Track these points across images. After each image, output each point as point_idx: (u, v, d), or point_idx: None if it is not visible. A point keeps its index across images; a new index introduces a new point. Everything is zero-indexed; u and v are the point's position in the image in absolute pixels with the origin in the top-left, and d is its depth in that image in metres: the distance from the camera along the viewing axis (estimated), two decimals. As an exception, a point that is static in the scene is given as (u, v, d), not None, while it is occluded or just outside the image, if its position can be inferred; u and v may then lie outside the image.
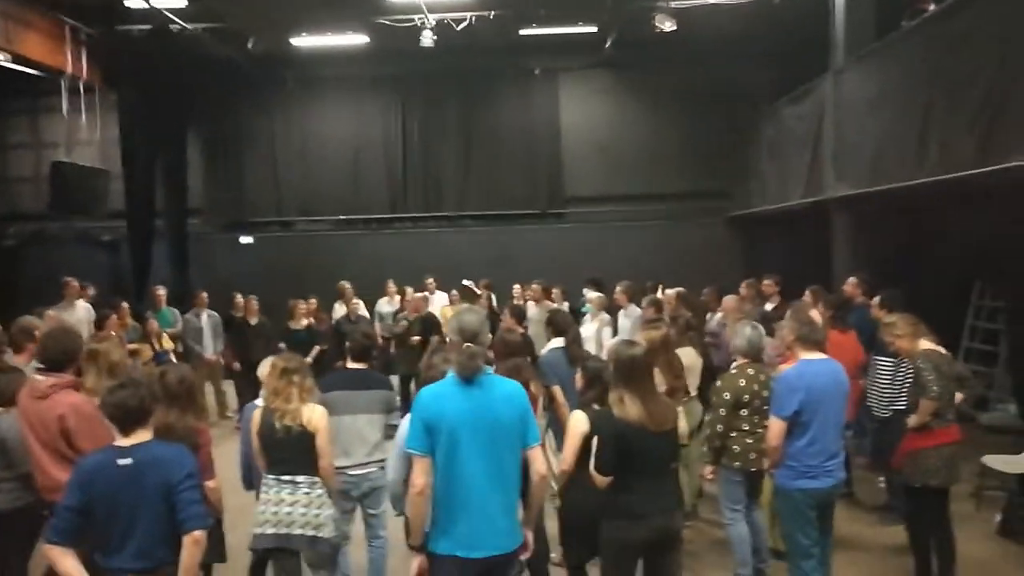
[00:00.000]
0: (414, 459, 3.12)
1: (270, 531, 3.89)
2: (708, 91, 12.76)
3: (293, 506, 3.89)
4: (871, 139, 7.80)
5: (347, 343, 4.78)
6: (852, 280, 7.39)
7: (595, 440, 3.68)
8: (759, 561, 4.86)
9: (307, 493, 3.92)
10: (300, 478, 3.93)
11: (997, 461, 6.03)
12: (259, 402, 4.56)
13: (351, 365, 4.60)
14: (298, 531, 3.87)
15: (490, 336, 3.47)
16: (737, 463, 4.64)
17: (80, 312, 8.98)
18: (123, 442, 2.98)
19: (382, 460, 4.52)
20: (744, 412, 4.60)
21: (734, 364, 4.74)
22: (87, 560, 2.95)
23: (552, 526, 5.09)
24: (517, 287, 10.74)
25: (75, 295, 9.11)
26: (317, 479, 3.97)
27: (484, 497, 3.07)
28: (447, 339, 3.34)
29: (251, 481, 4.53)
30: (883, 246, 8.87)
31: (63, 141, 11.64)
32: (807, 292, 7.38)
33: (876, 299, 6.18)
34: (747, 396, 4.59)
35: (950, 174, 6.31)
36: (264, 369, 4.70)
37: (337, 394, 4.36)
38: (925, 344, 4.53)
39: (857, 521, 5.96)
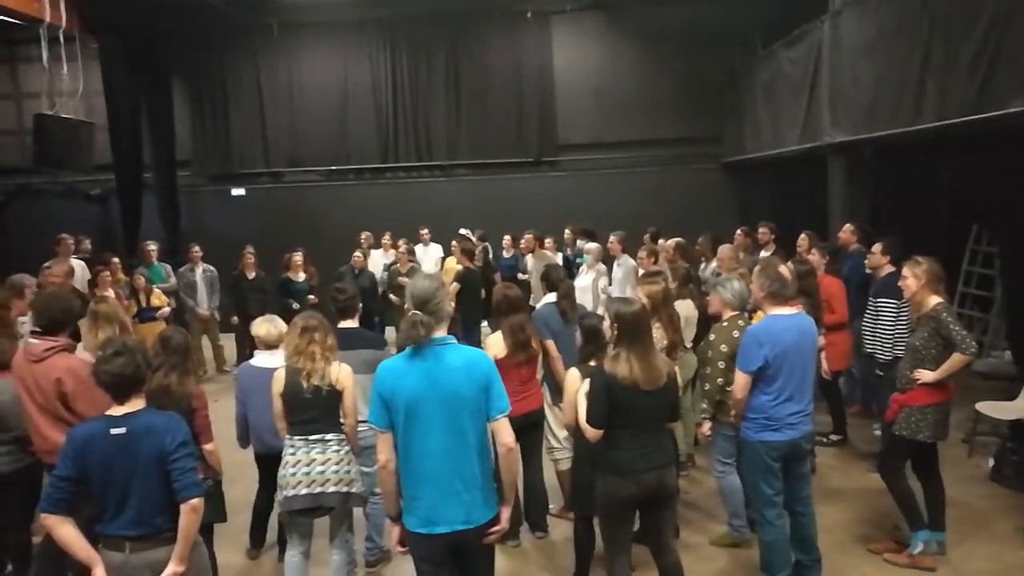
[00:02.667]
0: (376, 435, 3.08)
1: (303, 492, 3.88)
2: (703, 34, 12.49)
3: (325, 464, 3.89)
4: (868, 84, 7.66)
5: (330, 303, 4.70)
6: (848, 227, 7.37)
7: (583, 394, 3.68)
8: (753, 511, 4.93)
9: (337, 451, 3.93)
10: (330, 436, 3.93)
11: (990, 407, 6.09)
12: (255, 362, 4.55)
13: (341, 324, 4.55)
14: (332, 489, 3.88)
15: (446, 298, 3.26)
16: (732, 417, 4.65)
17: (75, 268, 8.88)
18: (116, 411, 2.95)
19: None
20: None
21: (727, 316, 4.71)
22: (87, 527, 2.96)
23: (551, 478, 5.19)
24: (507, 238, 10.69)
25: (68, 252, 9.01)
26: (344, 436, 3.99)
27: (443, 471, 2.98)
28: (405, 305, 3.16)
29: (247, 439, 4.55)
30: (879, 192, 8.80)
31: (45, 92, 11.34)
32: (802, 237, 7.37)
33: (876, 246, 6.15)
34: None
35: (948, 120, 6.21)
36: (259, 327, 4.67)
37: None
38: (937, 299, 4.47)
39: (850, 468, 6.05)
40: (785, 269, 4.62)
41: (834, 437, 6.47)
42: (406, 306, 3.11)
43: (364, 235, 10.58)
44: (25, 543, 4.51)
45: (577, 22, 13.32)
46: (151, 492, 2.89)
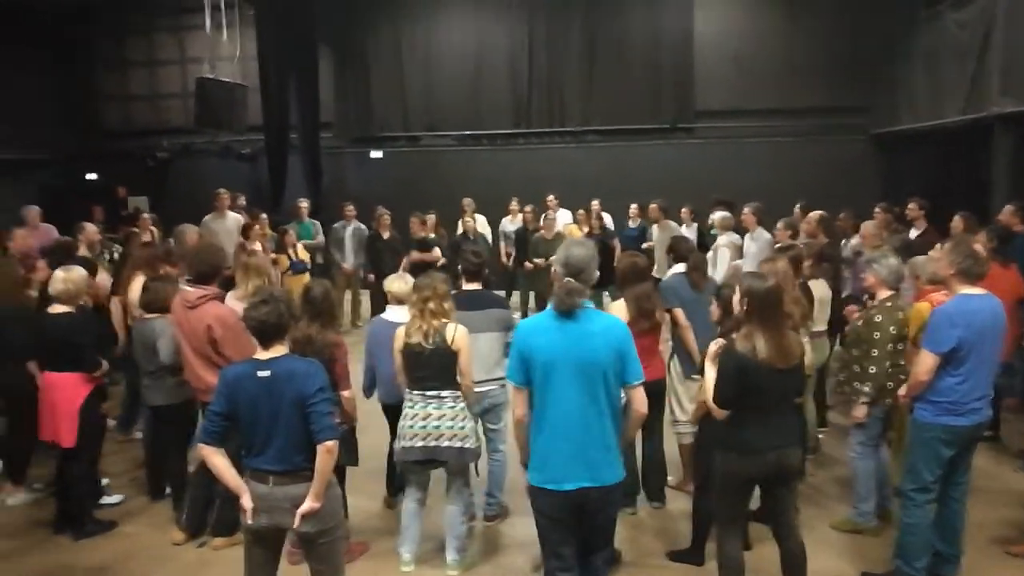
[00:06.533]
0: (512, 389, 3.19)
1: (419, 444, 4.09)
2: (857, -5, 11.71)
3: (440, 420, 4.07)
4: (1049, 48, 6.96)
5: (459, 264, 4.82)
6: (1010, 208, 6.77)
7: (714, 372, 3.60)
8: (882, 498, 4.73)
9: (452, 407, 4.09)
10: (445, 393, 4.09)
11: None
12: (386, 316, 4.75)
13: (466, 286, 4.69)
14: (446, 443, 4.07)
15: (595, 266, 3.26)
16: (888, 399, 4.44)
17: (230, 223, 9.55)
18: (263, 355, 3.17)
19: (501, 378, 4.59)
20: (900, 347, 4.38)
21: (883, 296, 4.46)
22: (236, 459, 3.23)
23: (671, 451, 5.15)
24: (634, 207, 10.49)
25: (226, 206, 9.67)
26: (459, 393, 4.13)
27: (576, 431, 3.05)
28: (553, 268, 3.26)
29: (371, 389, 4.75)
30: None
31: (207, 57, 12.15)
32: (956, 218, 6.83)
33: None
34: (906, 330, 4.38)
35: None
36: (391, 283, 4.87)
37: (455, 314, 4.41)
38: None
39: (1000, 465, 5.65)
40: (979, 246, 4.34)
41: (986, 432, 6.02)
42: (555, 270, 3.18)
43: (466, 200, 10.66)
44: (182, 470, 4.98)
45: (720, -17, 12.80)
46: (292, 432, 3.09)
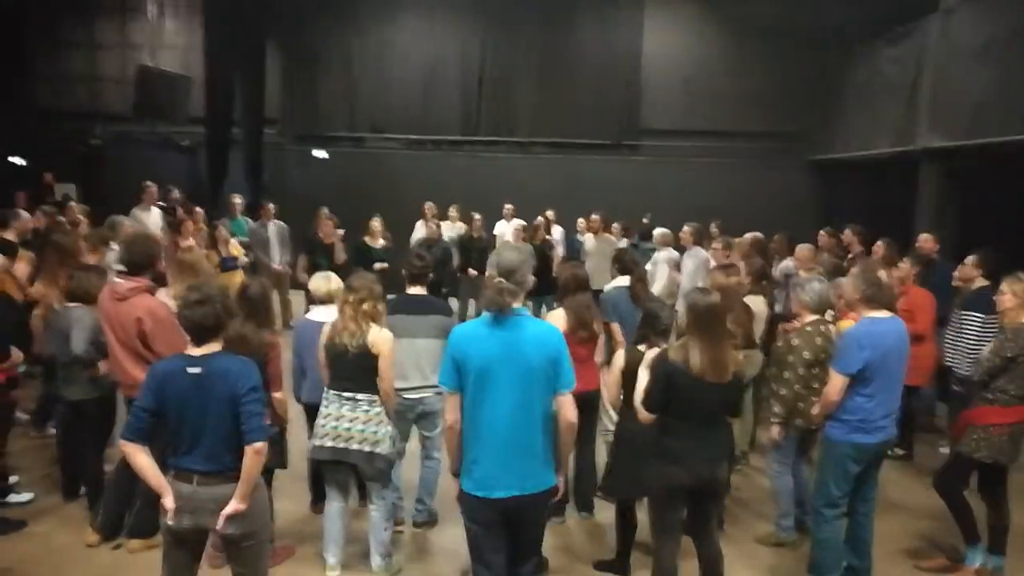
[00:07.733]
0: (445, 394, 3.17)
1: (328, 444, 4.04)
2: (799, 27, 12.12)
3: (352, 422, 4.02)
4: (976, 88, 7.32)
5: (403, 268, 4.78)
6: (928, 236, 7.06)
7: (642, 376, 3.68)
8: (802, 513, 4.86)
9: (366, 411, 4.03)
10: (361, 396, 4.04)
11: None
12: (311, 316, 4.67)
13: (410, 290, 4.64)
14: (355, 446, 4.01)
15: (531, 276, 3.26)
16: (800, 421, 4.54)
17: (155, 216, 9.33)
18: (194, 351, 3.09)
19: (437, 385, 4.57)
20: (816, 371, 4.47)
21: (806, 320, 4.57)
22: (160, 459, 3.12)
23: (602, 460, 5.18)
24: (581, 220, 10.62)
25: (152, 199, 9.41)
26: (376, 398, 4.07)
27: (506, 438, 3.03)
28: (487, 272, 3.23)
29: (299, 393, 4.67)
30: (976, 202, 8.39)
31: (148, 44, 11.81)
32: (878, 243, 7.11)
33: (970, 258, 5.87)
34: (823, 354, 4.47)
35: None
36: (311, 281, 4.78)
37: (396, 318, 4.42)
38: None
39: (911, 483, 5.87)
40: (884, 273, 4.49)
41: (899, 451, 6.28)
42: (488, 273, 3.18)
43: (428, 204, 10.60)
44: (98, 468, 4.80)
45: (670, 7, 13.17)
46: (222, 431, 3.02)
